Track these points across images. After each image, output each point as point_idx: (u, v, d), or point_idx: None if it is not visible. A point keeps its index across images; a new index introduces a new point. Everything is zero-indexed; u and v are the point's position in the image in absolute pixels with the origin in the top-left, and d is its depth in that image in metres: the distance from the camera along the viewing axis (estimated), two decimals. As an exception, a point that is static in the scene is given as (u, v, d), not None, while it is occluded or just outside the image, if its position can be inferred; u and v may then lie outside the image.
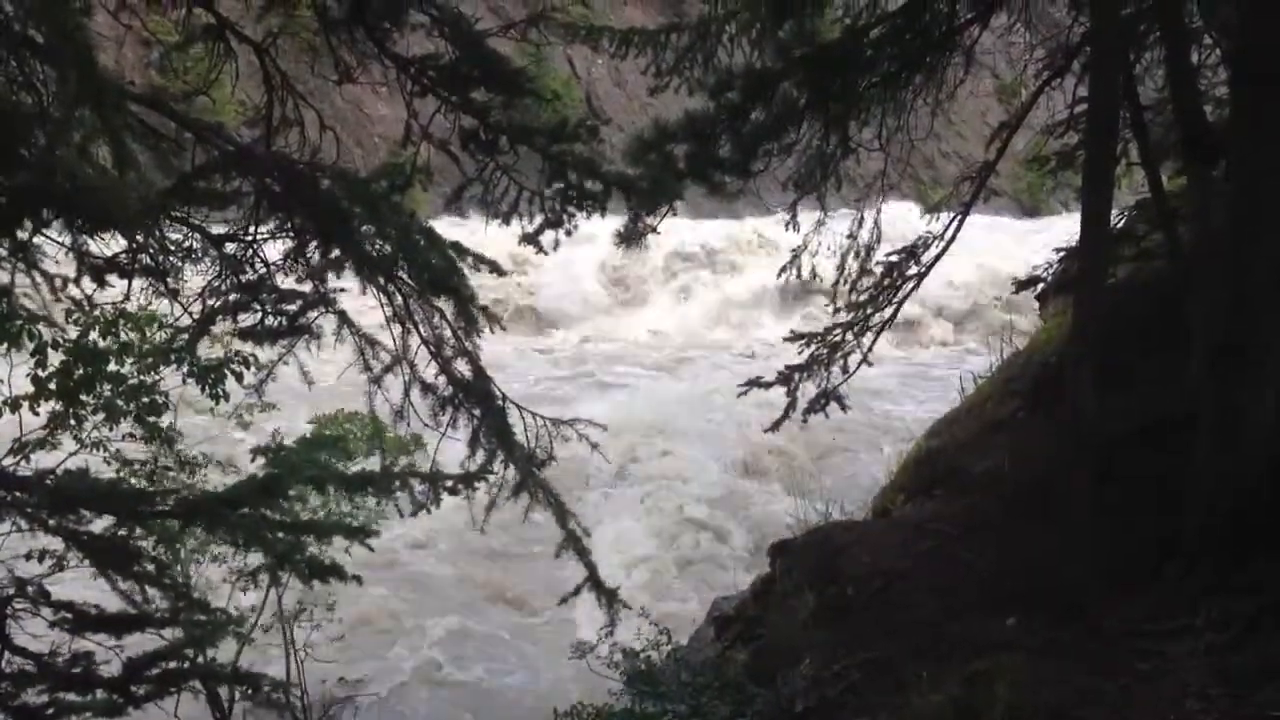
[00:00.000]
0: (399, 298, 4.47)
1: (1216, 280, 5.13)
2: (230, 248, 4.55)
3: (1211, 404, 5.11)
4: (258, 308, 4.57)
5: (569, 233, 5.16)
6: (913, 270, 7.50)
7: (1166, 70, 6.03)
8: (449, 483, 4.76)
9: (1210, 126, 5.72)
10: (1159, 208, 6.28)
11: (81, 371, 5.56)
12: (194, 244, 4.50)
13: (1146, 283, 7.11)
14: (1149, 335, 6.28)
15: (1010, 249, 23.37)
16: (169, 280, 4.62)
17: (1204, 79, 7.02)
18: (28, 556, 5.05)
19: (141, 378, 5.90)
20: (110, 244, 4.37)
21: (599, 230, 5.96)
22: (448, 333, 4.55)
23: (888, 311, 7.58)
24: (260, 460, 6.24)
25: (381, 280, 4.38)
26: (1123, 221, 7.46)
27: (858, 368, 7.58)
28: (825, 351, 7.53)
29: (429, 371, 4.64)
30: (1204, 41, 7.02)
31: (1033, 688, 4.31)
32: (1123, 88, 5.90)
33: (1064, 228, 14.06)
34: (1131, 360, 6.14)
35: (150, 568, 4.39)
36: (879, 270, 7.65)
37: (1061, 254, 8.30)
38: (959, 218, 7.36)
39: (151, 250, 4.47)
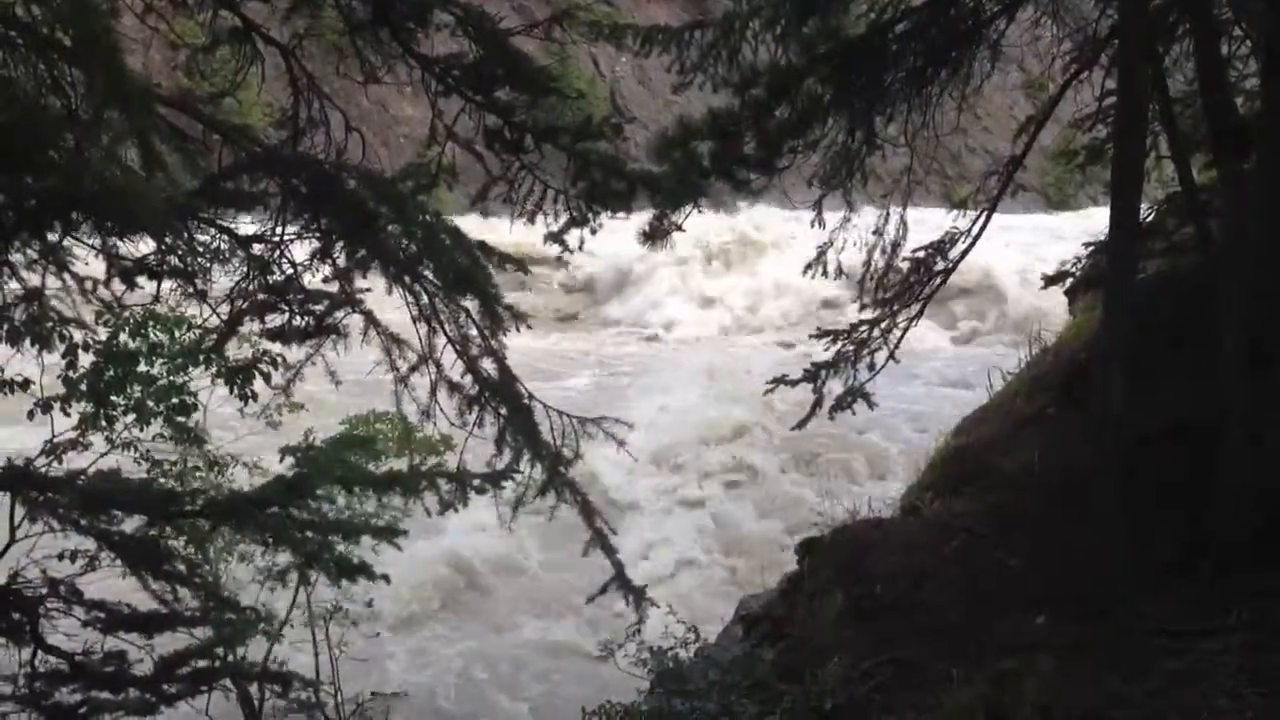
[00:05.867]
0: (424, 297, 4.49)
1: (1247, 276, 5.07)
2: (258, 249, 4.58)
3: (1242, 402, 5.05)
4: (285, 308, 4.60)
5: (594, 231, 5.16)
6: (940, 266, 7.45)
7: (1196, 62, 5.96)
8: (476, 482, 4.77)
9: (1241, 119, 5.65)
10: (1189, 201, 6.21)
11: (112, 373, 5.59)
12: (222, 245, 4.53)
13: (1177, 278, 7.04)
14: (1179, 331, 6.21)
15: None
16: (197, 281, 4.65)
17: (1234, 71, 6.93)
18: (60, 557, 5.08)
19: (171, 379, 5.93)
20: (139, 246, 4.40)
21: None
22: (474, 332, 4.57)
23: (914, 308, 7.53)
24: (289, 460, 6.27)
25: (407, 280, 4.40)
26: (1152, 216, 7.38)
27: (885, 364, 7.53)
28: (852, 348, 7.49)
29: (455, 371, 4.65)
30: (1234, 33, 6.93)
31: (1062, 687, 4.28)
32: (1151, 80, 5.83)
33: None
34: (1162, 357, 6.07)
35: (180, 567, 4.43)
36: (906, 266, 7.59)
37: (1090, 248, 8.22)
38: (986, 213, 7.31)
39: (180, 252, 4.49)
